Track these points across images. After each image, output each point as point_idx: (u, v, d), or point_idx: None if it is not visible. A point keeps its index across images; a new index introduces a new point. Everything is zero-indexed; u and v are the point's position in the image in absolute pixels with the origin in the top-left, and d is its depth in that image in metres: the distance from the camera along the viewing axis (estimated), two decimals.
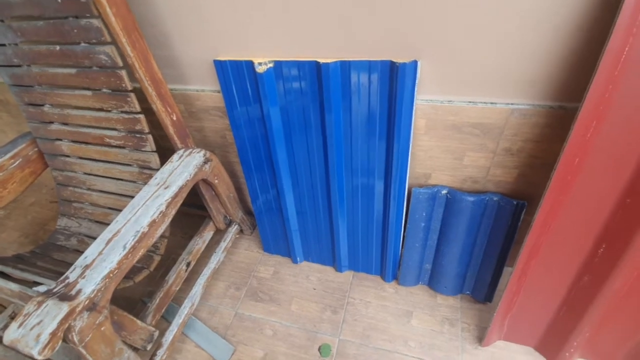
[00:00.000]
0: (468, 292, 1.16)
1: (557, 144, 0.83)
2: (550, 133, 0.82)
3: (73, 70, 0.94)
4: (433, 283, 1.18)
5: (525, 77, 0.76)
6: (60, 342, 0.65)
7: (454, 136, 0.90)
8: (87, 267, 0.73)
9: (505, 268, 1.03)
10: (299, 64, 0.87)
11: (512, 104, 0.81)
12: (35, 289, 0.82)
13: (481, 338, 1.06)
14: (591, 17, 0.65)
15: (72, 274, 0.71)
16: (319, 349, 1.09)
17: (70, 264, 1.11)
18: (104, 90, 0.95)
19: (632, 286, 0.78)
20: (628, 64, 0.59)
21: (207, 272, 1.21)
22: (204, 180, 1.09)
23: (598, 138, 0.66)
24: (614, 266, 0.76)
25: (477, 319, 1.11)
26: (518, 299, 0.94)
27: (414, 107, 0.84)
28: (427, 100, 0.86)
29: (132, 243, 0.78)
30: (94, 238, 1.21)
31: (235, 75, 0.95)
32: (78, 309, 0.66)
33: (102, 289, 0.72)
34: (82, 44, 0.87)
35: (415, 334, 1.10)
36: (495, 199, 0.94)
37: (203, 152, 1.04)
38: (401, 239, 1.11)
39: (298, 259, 1.33)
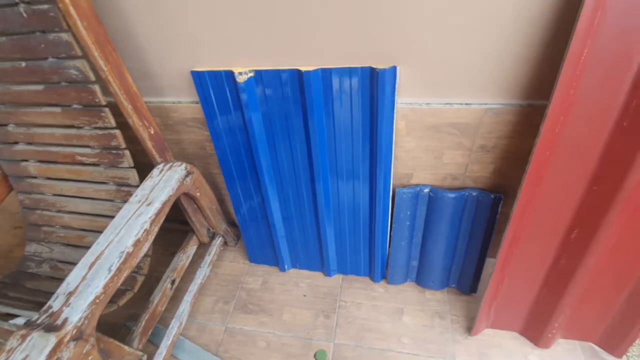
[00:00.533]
0: (454, 285, 1.20)
1: (528, 138, 0.88)
2: (521, 129, 0.87)
3: (40, 87, 0.89)
4: (420, 279, 1.21)
5: (496, 79, 0.81)
6: None
7: (434, 136, 0.94)
8: (70, 294, 0.69)
9: (488, 259, 1.08)
10: (280, 73, 0.88)
11: (485, 104, 0.86)
12: (12, 322, 0.76)
13: (470, 328, 1.11)
14: (555, 22, 0.70)
15: (55, 303, 0.67)
16: (314, 356, 1.09)
17: (46, 292, 1.05)
18: (75, 106, 0.91)
19: (603, 267, 0.84)
20: (587, 64, 0.65)
21: (193, 288, 1.17)
22: (186, 194, 1.06)
23: (565, 132, 0.72)
24: (586, 248, 0.82)
25: (465, 310, 1.16)
26: (502, 288, 0.98)
27: (395, 110, 0.87)
28: (406, 103, 0.89)
29: (118, 265, 0.75)
30: (69, 263, 1.14)
31: (214, 86, 0.94)
32: (66, 339, 0.62)
33: (89, 315, 0.68)
34: (50, 59, 0.83)
35: (407, 330, 1.12)
36: (474, 194, 0.99)
37: (184, 165, 1.02)
38: (388, 239, 1.13)
39: (286, 266, 1.32)
